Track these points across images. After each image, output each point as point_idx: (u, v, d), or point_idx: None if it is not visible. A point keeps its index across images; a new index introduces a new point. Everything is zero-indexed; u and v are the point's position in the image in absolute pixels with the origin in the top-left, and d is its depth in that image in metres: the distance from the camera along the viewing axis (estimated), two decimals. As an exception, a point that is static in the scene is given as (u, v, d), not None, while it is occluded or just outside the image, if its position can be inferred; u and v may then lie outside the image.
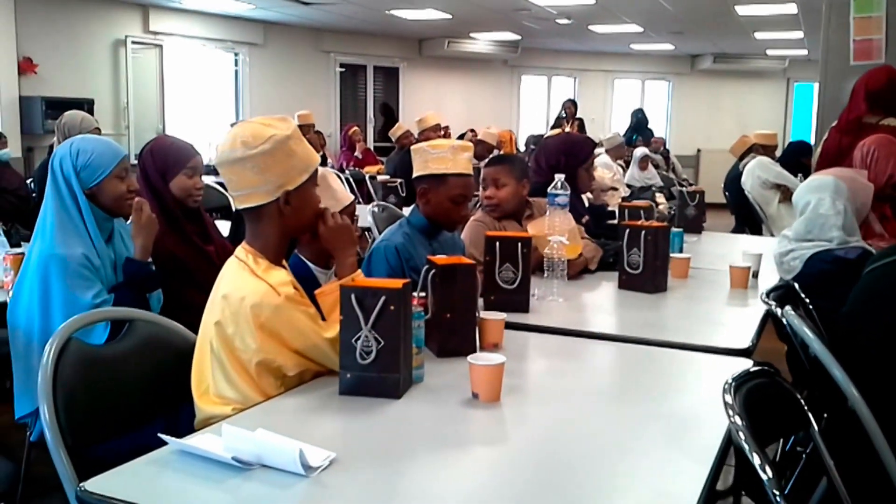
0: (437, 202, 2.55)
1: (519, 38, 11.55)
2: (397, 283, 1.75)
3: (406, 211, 4.97)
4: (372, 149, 9.88)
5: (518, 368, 1.99)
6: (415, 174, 2.60)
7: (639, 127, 11.43)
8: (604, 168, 6.49)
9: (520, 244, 2.46)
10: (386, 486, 1.38)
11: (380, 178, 5.85)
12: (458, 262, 2.07)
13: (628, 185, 7.17)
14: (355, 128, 9.16)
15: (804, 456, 2.17)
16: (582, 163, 3.67)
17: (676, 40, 11.71)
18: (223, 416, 1.71)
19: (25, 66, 7.76)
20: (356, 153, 8.77)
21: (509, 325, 2.18)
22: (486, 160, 3.40)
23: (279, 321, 1.77)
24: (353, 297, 1.71)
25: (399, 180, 5.42)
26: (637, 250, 2.77)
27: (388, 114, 11.70)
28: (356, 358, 1.72)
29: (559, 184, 2.64)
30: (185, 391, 1.86)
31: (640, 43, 12.04)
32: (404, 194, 5.46)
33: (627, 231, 2.81)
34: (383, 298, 1.70)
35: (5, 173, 4.28)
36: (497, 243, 2.48)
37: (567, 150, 3.68)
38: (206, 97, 10.07)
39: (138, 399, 1.89)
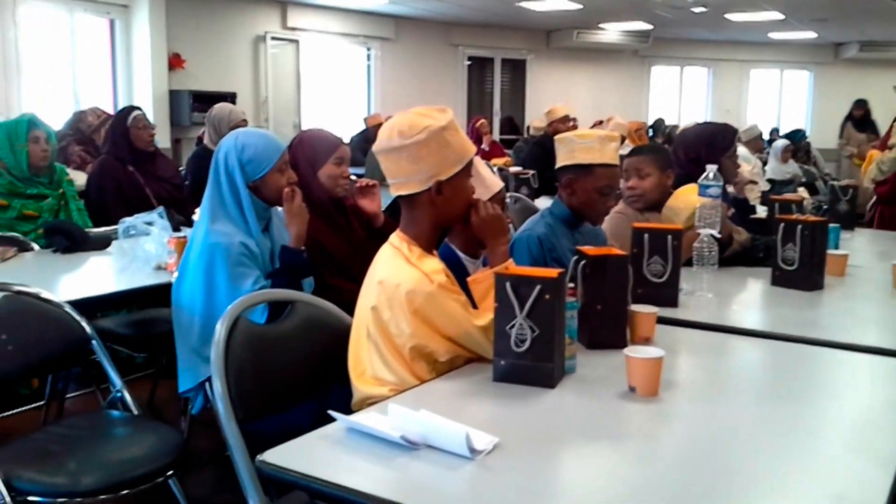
0: (583, 193, 2.52)
1: (651, 27, 11.26)
2: (553, 272, 1.74)
3: (538, 202, 4.96)
4: (498, 141, 9.90)
5: (670, 363, 1.94)
6: (559, 164, 2.58)
7: None
8: (742, 161, 6.23)
9: (670, 236, 2.40)
10: (546, 474, 1.39)
11: (511, 169, 5.86)
12: (610, 253, 2.05)
13: (769, 180, 6.87)
14: (482, 120, 9.19)
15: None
16: (724, 152, 3.54)
17: (819, 27, 11.11)
18: (380, 397, 1.76)
19: (174, 62, 8.21)
20: (483, 145, 8.81)
21: (657, 320, 2.14)
22: (629, 151, 3.33)
23: (432, 308, 1.80)
24: (508, 285, 1.72)
25: (531, 172, 5.40)
26: (792, 245, 2.65)
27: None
28: (511, 346, 1.73)
29: (711, 174, 2.56)
30: (338, 371, 1.92)
31: (779, 31, 11.49)
32: (536, 186, 5.44)
33: (783, 225, 2.69)
34: (539, 287, 1.70)
35: (160, 162, 4.53)
36: (645, 235, 2.43)
37: (708, 141, 3.57)
38: (340, 91, 10.36)
39: (297, 376, 1.97)
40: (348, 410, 1.67)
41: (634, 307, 2.07)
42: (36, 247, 3.27)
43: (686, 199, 2.93)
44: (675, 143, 3.82)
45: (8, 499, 1.86)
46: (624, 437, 1.56)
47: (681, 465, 1.42)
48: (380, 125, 7.76)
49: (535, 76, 12.13)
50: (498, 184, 2.31)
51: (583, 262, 2.02)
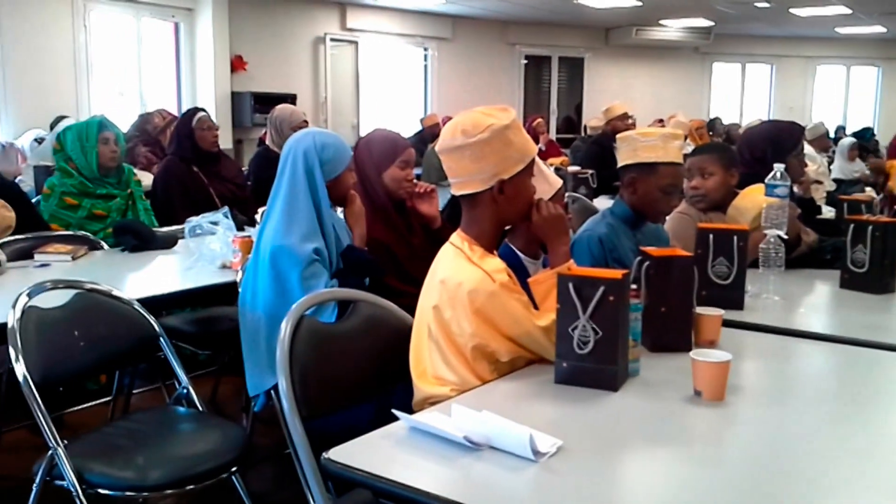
0: (646, 192, 2.48)
1: (712, 23, 11.06)
2: (616, 273, 1.72)
3: (597, 202, 4.91)
4: (555, 140, 9.84)
5: (736, 368, 1.89)
6: (621, 163, 2.55)
7: None
8: (808, 160, 6.07)
9: (735, 237, 2.35)
10: (610, 478, 1.37)
11: (569, 168, 5.81)
12: (675, 255, 2.02)
13: (836, 180, 6.68)
14: (539, 119, 9.14)
15: None
16: (790, 151, 3.45)
17: (888, 21, 10.75)
18: (442, 397, 1.76)
19: (237, 64, 8.37)
20: (540, 145, 8.76)
21: (722, 323, 2.09)
22: (692, 150, 3.27)
23: (494, 307, 1.80)
24: (571, 286, 1.70)
25: (590, 171, 5.35)
26: (862, 247, 2.57)
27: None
28: (573, 347, 1.71)
29: (779, 173, 2.50)
30: (400, 370, 1.93)
31: (845, 26, 11.17)
32: (595, 185, 5.39)
33: (853, 226, 2.61)
34: (602, 289, 1.68)
35: (224, 163, 4.62)
36: (710, 236, 2.38)
37: (774, 139, 3.48)
38: (397, 92, 10.42)
39: (359, 375, 1.99)
40: (409, 410, 1.68)
41: (700, 310, 2.04)
42: (105, 245, 3.36)
43: (752, 198, 2.86)
44: (740, 142, 3.73)
45: (79, 491, 1.91)
46: (689, 441, 1.53)
47: (747, 471, 1.39)
48: (436, 126, 7.88)
49: (592, 74, 12.02)
50: (558, 181, 2.30)
51: (647, 263, 1.99)
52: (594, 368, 1.70)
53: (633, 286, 1.94)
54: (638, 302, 1.83)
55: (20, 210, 3.26)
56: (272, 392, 2.40)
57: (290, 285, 2.34)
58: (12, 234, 3.17)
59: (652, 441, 1.52)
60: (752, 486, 1.33)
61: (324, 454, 1.37)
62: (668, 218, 2.87)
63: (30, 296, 2.12)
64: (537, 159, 2.30)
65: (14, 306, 2.07)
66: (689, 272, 1.99)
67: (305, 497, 2.40)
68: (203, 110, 4.54)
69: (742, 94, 13.05)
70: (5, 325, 2.05)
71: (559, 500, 1.26)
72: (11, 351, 2.01)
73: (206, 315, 3.38)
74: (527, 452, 1.34)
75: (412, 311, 1.97)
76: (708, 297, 2.33)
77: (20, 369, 1.99)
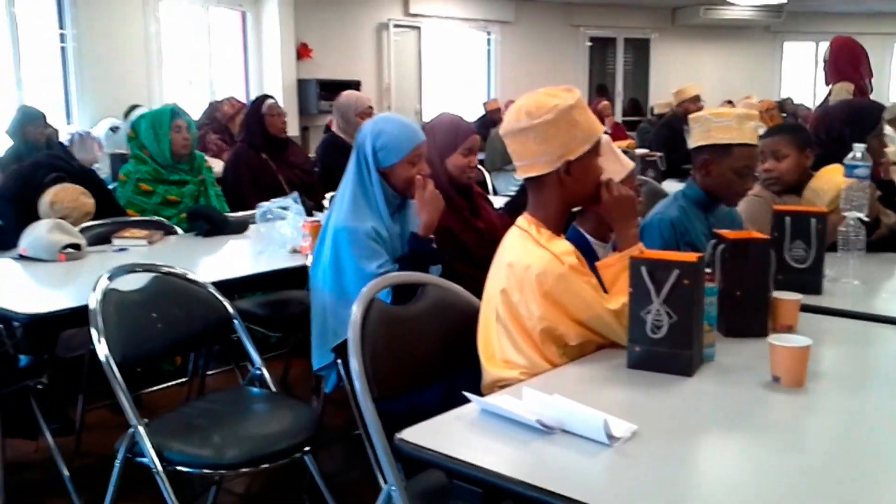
0: (719, 174, 2.43)
1: (784, 1, 10.71)
2: (691, 256, 1.69)
3: (666, 185, 4.82)
4: (620, 123, 9.70)
5: (815, 353, 1.84)
6: (694, 144, 2.49)
7: None
8: (888, 141, 5.85)
9: (813, 220, 2.28)
10: (686, 463, 1.35)
11: (638, 151, 5.72)
12: (751, 237, 1.97)
13: (917, 160, 6.39)
14: (605, 102, 9.03)
15: None
16: (870, 131, 3.32)
17: (975, -6, 10.27)
18: (511, 380, 1.75)
19: (302, 52, 8.47)
20: (605, 127, 8.65)
21: (800, 307, 2.04)
22: (764, 132, 3.19)
23: (563, 290, 1.78)
24: (644, 269, 1.68)
25: (659, 154, 5.26)
26: (950, 230, 2.46)
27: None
28: (646, 332, 1.68)
29: (859, 153, 2.41)
30: (468, 353, 1.93)
31: (928, -1, 10.70)
32: (664, 168, 5.29)
33: (939, 208, 2.51)
34: (677, 272, 1.65)
35: (292, 149, 4.69)
36: (787, 218, 2.32)
37: (852, 119, 3.36)
38: (460, 77, 10.40)
39: (429, 357, 2.00)
40: (478, 392, 1.68)
41: (777, 294, 1.98)
42: (179, 230, 3.45)
43: (830, 180, 2.78)
44: (816, 122, 3.62)
45: (159, 467, 1.97)
46: (767, 428, 1.49)
47: (829, 458, 1.36)
48: (498, 110, 7.86)
49: (659, 56, 11.79)
50: (630, 163, 2.27)
51: (722, 246, 1.94)
52: (668, 353, 1.67)
53: (708, 270, 1.90)
54: (713, 285, 1.80)
55: (98, 196, 3.36)
56: (342, 373, 2.44)
57: (344, 264, 2.37)
58: (91, 219, 3.28)
59: (729, 427, 1.49)
60: (833, 474, 1.29)
61: (397, 435, 1.38)
62: (742, 201, 2.80)
63: (110, 279, 2.19)
64: (609, 140, 2.27)
65: (95, 289, 2.13)
66: (766, 255, 1.94)
67: (374, 477, 2.45)
68: (271, 97, 4.61)
69: (815, 74, 12.61)
70: (87, 307, 2.12)
71: (634, 485, 1.25)
72: (93, 332, 2.08)
73: (277, 298, 3.45)
74: (601, 437, 1.32)
75: (480, 295, 1.97)
76: (784, 281, 2.27)
77: (102, 350, 2.06)
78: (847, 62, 4.75)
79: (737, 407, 1.57)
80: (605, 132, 6.45)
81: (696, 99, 6.65)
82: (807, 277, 2.29)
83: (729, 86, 11.09)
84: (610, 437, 1.33)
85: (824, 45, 12.53)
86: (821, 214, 2.31)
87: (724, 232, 2.01)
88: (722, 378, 1.69)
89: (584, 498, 1.16)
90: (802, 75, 12.64)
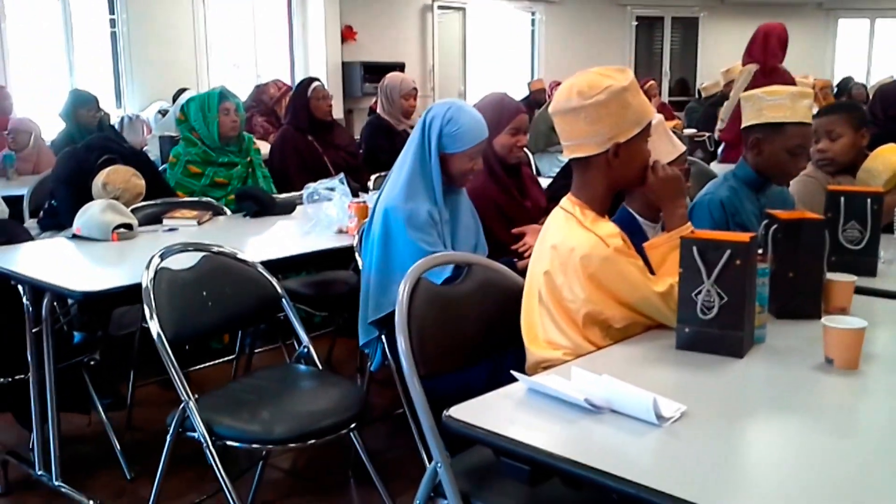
0: (771, 153, 2.38)
1: (839, -23, 10.42)
2: (744, 236, 1.66)
3: (714, 167, 4.73)
4: (667, 103, 9.55)
5: (869, 336, 1.79)
6: (745, 123, 2.45)
7: None
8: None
9: (869, 200, 2.23)
10: (736, 445, 1.33)
11: (686, 132, 5.62)
12: (804, 217, 1.93)
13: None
14: (651, 82, 8.88)
15: None
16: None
17: None
18: (555, 361, 1.75)
19: (347, 34, 8.48)
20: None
21: (854, 289, 1.99)
22: (817, 111, 3.11)
23: (608, 273, 1.76)
24: (695, 249, 1.65)
25: (707, 134, 5.17)
26: None
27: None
28: (696, 313, 1.66)
29: (920, 133, 2.34)
30: (513, 333, 1.93)
31: None
32: (712, 149, 5.20)
33: None
34: (728, 252, 1.62)
35: (337, 131, 4.71)
36: (841, 198, 2.26)
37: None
38: (504, 57, 10.34)
39: (474, 337, 2.00)
40: (522, 373, 1.67)
41: (830, 275, 1.94)
42: (228, 211, 3.49)
43: (885, 159, 2.71)
44: (873, 99, 3.53)
45: (209, 442, 2.01)
46: (820, 410, 1.47)
47: (882, 441, 1.33)
48: (542, 91, 7.78)
49: (707, 35, 11.56)
50: (682, 145, 2.23)
51: (774, 226, 1.91)
52: (718, 334, 1.65)
53: (759, 250, 1.87)
54: (765, 266, 1.76)
55: (148, 178, 3.42)
56: (387, 352, 2.46)
57: (394, 241, 2.38)
58: (142, 200, 3.33)
59: (780, 409, 1.46)
60: (886, 457, 1.26)
61: (445, 412, 1.39)
62: (792, 181, 2.74)
63: (162, 257, 2.23)
64: (662, 120, 2.24)
65: (148, 267, 2.18)
66: (820, 236, 1.90)
67: (416, 456, 2.47)
68: (317, 80, 4.63)
69: (870, 52, 12.26)
70: (139, 285, 2.16)
71: (684, 466, 1.23)
72: (146, 309, 2.12)
73: (322, 278, 3.48)
74: (650, 417, 1.31)
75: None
76: (838, 262, 2.22)
77: (154, 327, 2.10)
78: (760, 46, 5.40)
79: (788, 389, 1.54)
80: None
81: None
82: (861, 259, 2.24)
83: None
84: (659, 416, 1.32)
85: (881, 23, 12.15)
86: (876, 194, 2.25)
87: (777, 212, 1.97)
88: (773, 360, 1.67)
89: (633, 477, 1.16)
90: (857, 54, 12.28)
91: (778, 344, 1.74)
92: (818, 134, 2.92)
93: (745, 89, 5.29)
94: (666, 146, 2.04)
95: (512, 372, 1.52)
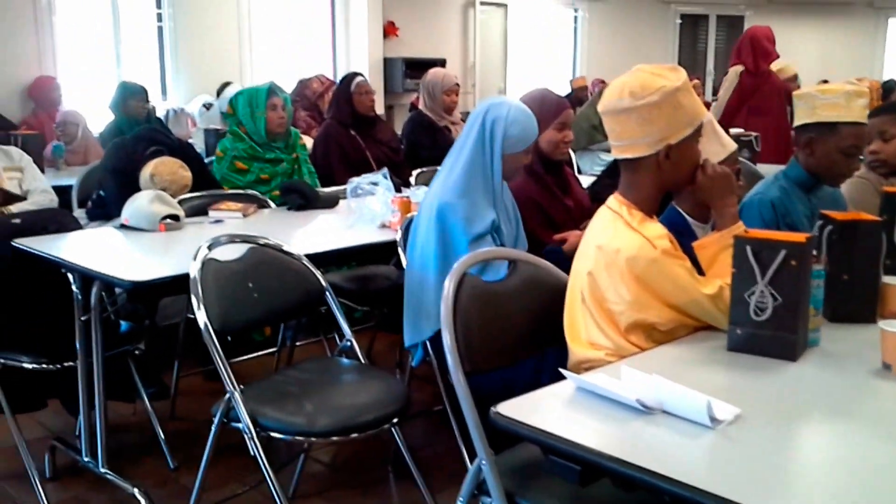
0: (825, 153, 2.33)
1: (890, -25, 10.19)
2: (799, 236, 1.63)
3: (761, 167, 4.65)
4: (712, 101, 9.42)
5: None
6: (797, 122, 2.40)
7: None
8: None
9: (927, 203, 2.16)
10: (791, 449, 1.31)
11: (732, 131, 5.53)
12: (860, 219, 1.88)
13: None
14: (695, 80, 8.77)
15: None
16: None
17: None
18: (597, 361, 1.73)
19: (389, 30, 8.49)
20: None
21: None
22: (871, 110, 3.03)
23: (655, 274, 1.74)
24: (749, 249, 1.62)
25: (754, 134, 5.09)
26: None
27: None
28: (749, 314, 1.63)
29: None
30: (557, 331, 1.91)
31: None
32: (759, 149, 5.12)
33: None
34: (784, 252, 1.59)
35: (379, 126, 4.72)
36: (898, 201, 2.20)
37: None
38: (545, 54, 10.28)
39: (519, 334, 1.99)
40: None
41: (886, 279, 1.90)
42: (272, 204, 3.52)
43: None
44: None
45: (253, 433, 2.02)
46: (877, 416, 1.43)
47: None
48: (584, 88, 7.71)
49: (753, 34, 11.37)
50: (733, 144, 2.19)
51: (829, 228, 1.87)
52: (772, 336, 1.61)
53: (813, 252, 1.83)
54: (820, 268, 1.72)
55: (195, 170, 3.45)
56: (429, 348, 2.45)
57: (454, 247, 2.36)
58: (188, 192, 3.37)
59: (836, 414, 1.43)
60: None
61: (493, 409, 1.38)
62: (846, 183, 2.68)
63: (210, 248, 2.25)
64: (713, 119, 2.20)
65: (196, 258, 2.20)
66: (876, 238, 1.86)
67: (455, 453, 2.46)
68: (361, 75, 4.64)
69: (922, 52, 11.97)
70: (186, 275, 2.18)
71: (738, 469, 1.21)
72: (193, 300, 2.14)
73: (363, 273, 3.49)
74: (704, 419, 1.29)
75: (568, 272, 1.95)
76: (893, 266, 2.17)
77: (202, 317, 2.12)
78: (747, 48, 5.59)
79: (844, 394, 1.51)
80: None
81: (794, 78, 6.40)
82: (918, 263, 2.17)
83: (827, 65, 10.63)
84: (713, 419, 1.30)
85: (934, 22, 11.68)
86: (936, 197, 2.18)
87: (833, 213, 1.93)
88: (828, 364, 1.63)
89: (686, 479, 1.14)
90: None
91: (832, 348, 1.70)
92: (871, 134, 2.85)
93: (733, 91, 5.53)
94: (713, 146, 2.00)
95: (561, 370, 1.50)
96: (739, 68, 5.60)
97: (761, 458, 1.25)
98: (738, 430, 1.31)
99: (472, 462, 1.69)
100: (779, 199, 2.38)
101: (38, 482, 2.63)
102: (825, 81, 8.82)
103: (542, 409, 1.40)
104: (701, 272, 1.82)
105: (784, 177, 2.46)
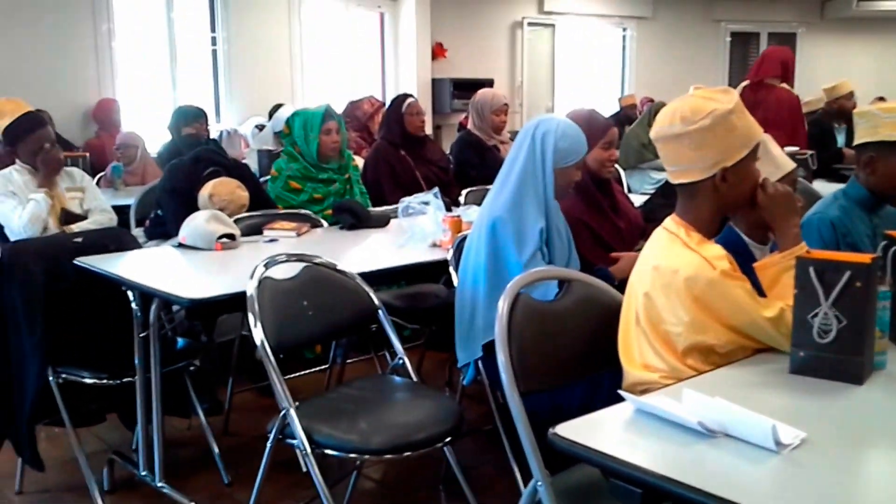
0: (886, 172, 2.29)
1: (950, -10, 9.96)
2: (864, 257, 1.59)
3: (817, 185, 4.57)
4: (763, 122, 9.28)
5: None
6: (858, 140, 2.36)
7: None
8: None
9: None
10: (859, 475, 1.28)
11: (787, 149, 5.44)
12: (927, 239, 1.83)
13: None
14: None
15: None
16: None
17: None
18: (652, 384, 1.71)
19: (437, 51, 8.57)
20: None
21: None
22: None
23: (714, 296, 1.71)
24: (812, 270, 1.59)
25: (810, 152, 4.99)
26: None
27: None
28: (813, 336, 1.60)
29: None
30: (611, 352, 1.89)
31: None
32: (815, 167, 5.02)
33: None
34: (849, 273, 1.56)
35: (429, 146, 4.75)
36: (966, 221, 2.15)
37: None
38: (593, 73, 10.26)
39: (573, 354, 1.97)
40: (617, 394, 1.64)
41: (953, 301, 1.84)
42: (325, 223, 3.56)
43: None
44: None
45: (308, 450, 2.04)
46: (948, 445, 1.38)
47: None
48: (633, 106, 7.70)
49: (806, 51, 11.18)
50: (790, 164, 2.16)
51: (893, 249, 1.82)
52: (836, 359, 1.58)
53: (878, 273, 1.79)
54: (885, 289, 1.68)
55: (251, 190, 3.52)
56: (481, 367, 2.45)
57: (505, 262, 2.36)
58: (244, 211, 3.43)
59: (904, 441, 1.39)
60: None
61: (551, 430, 1.36)
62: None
63: (266, 267, 2.28)
64: (768, 139, 2.18)
65: (252, 276, 2.23)
66: (945, 259, 1.80)
67: (507, 473, 2.44)
68: (412, 96, 4.69)
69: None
70: (243, 293, 2.22)
71: (804, 494, 1.18)
72: (250, 317, 2.17)
73: (413, 291, 3.50)
74: (769, 443, 1.26)
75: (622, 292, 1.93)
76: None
77: (258, 334, 2.15)
78: (757, 65, 5.66)
79: (913, 420, 1.46)
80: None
81: (850, 95, 6.26)
82: None
83: (882, 84, 10.40)
84: (778, 443, 1.27)
85: None
86: None
87: (897, 233, 1.88)
88: (895, 387, 1.58)
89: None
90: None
91: (899, 371, 1.66)
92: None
93: None
94: (768, 166, 1.97)
95: (620, 392, 1.48)
96: (743, 84, 5.66)
97: (828, 483, 1.22)
98: (803, 454, 1.28)
99: (525, 482, 1.68)
100: (839, 219, 2.34)
101: (97, 495, 2.69)
102: (881, 98, 8.66)
103: (601, 431, 1.39)
104: (762, 293, 1.79)
105: (844, 195, 2.41)
